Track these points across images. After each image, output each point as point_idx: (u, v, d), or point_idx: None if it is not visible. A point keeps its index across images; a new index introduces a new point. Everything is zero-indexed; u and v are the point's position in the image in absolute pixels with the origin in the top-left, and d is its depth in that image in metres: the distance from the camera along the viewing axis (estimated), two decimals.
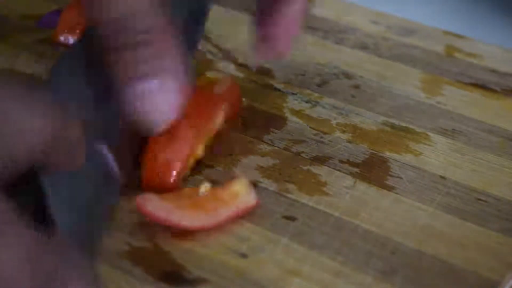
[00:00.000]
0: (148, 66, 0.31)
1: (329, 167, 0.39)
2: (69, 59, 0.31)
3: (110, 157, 0.30)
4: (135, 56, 0.31)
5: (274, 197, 0.37)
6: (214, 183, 0.38)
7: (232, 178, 0.37)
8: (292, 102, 0.44)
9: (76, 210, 0.28)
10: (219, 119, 0.41)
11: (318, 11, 0.53)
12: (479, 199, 0.38)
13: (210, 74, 0.42)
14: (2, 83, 0.26)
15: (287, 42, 0.40)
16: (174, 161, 0.37)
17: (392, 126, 0.42)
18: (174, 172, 0.37)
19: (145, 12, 0.31)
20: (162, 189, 0.36)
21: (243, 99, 0.44)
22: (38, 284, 0.24)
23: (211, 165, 0.39)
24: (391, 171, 0.39)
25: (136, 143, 0.39)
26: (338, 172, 0.39)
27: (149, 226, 0.35)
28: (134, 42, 0.31)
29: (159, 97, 0.31)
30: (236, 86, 0.42)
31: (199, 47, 0.42)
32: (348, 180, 0.39)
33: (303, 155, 0.40)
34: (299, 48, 0.49)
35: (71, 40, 0.47)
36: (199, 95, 0.38)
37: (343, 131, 0.42)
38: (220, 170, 0.39)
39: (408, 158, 0.40)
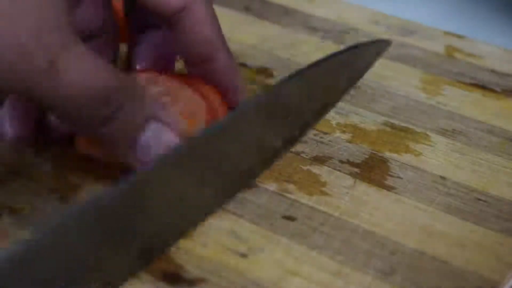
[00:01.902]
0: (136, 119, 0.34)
1: (329, 167, 0.39)
2: None
3: None
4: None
5: (274, 197, 0.37)
6: None
7: None
8: None
9: None
10: None
11: (318, 11, 0.53)
12: (479, 199, 0.38)
13: None
14: None
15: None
16: None
17: (392, 126, 0.42)
18: None
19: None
20: None
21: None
22: None
23: None
24: (391, 171, 0.39)
25: None
26: (338, 172, 0.39)
27: None
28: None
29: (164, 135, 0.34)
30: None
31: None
32: (348, 180, 0.39)
33: (303, 155, 0.40)
34: (299, 49, 0.49)
35: None
36: None
37: (343, 131, 0.42)
38: None
39: (408, 158, 0.40)
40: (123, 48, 0.41)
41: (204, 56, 0.38)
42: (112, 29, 0.40)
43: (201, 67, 0.38)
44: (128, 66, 0.41)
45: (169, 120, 0.35)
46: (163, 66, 0.41)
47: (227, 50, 0.39)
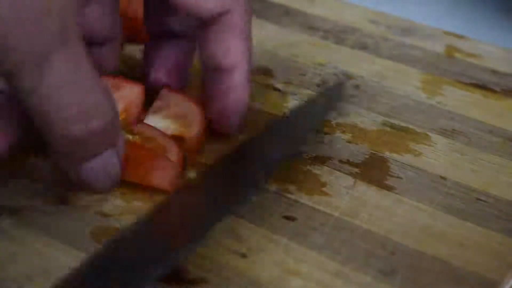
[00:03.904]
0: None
1: (329, 167, 0.39)
2: None
3: None
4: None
5: (274, 197, 0.37)
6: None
7: None
8: (292, 102, 0.44)
9: None
10: None
11: (318, 11, 0.53)
12: (479, 199, 0.38)
13: None
14: None
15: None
16: None
17: (392, 126, 0.42)
18: None
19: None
20: None
21: None
22: None
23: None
24: (391, 171, 0.39)
25: None
26: (338, 172, 0.39)
27: None
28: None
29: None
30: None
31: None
32: (348, 180, 0.39)
33: (303, 155, 0.40)
34: (299, 49, 0.49)
35: None
36: None
37: (343, 131, 0.42)
38: None
39: (408, 158, 0.40)
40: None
41: (220, 68, 0.37)
42: (117, 37, 0.39)
43: (215, 77, 0.38)
44: (144, 70, 0.40)
45: (121, 145, 0.34)
46: (177, 77, 0.40)
47: (245, 70, 0.38)
